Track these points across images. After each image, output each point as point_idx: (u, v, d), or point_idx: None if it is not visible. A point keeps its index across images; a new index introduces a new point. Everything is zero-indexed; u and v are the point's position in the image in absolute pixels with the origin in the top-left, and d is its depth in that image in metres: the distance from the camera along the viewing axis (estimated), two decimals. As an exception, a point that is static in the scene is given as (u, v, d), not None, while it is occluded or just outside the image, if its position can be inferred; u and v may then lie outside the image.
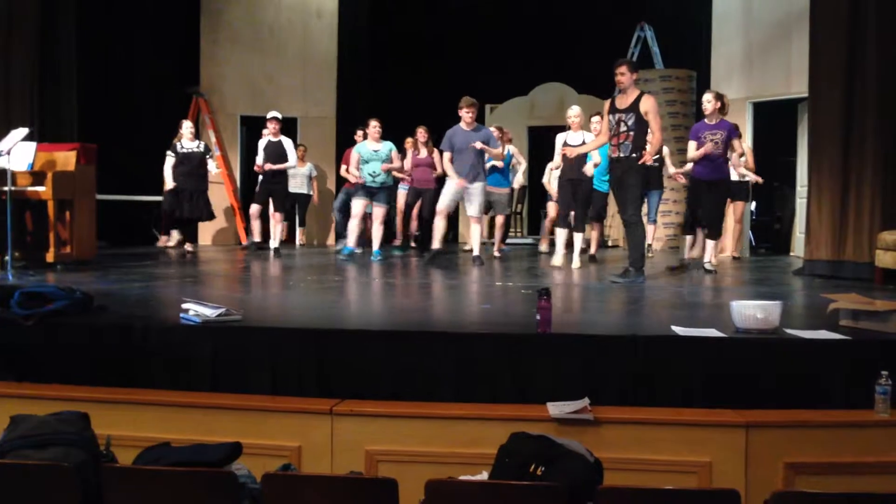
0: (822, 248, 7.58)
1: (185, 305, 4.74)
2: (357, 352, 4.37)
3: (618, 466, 3.54)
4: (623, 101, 7.11)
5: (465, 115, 8.71)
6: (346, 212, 10.95)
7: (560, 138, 8.97)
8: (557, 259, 8.76)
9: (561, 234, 8.96)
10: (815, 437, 3.89)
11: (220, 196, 12.22)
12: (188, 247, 10.33)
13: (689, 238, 8.34)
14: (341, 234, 11.09)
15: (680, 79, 12.24)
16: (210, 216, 10.57)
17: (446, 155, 8.84)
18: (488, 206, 10.05)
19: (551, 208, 10.70)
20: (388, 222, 10.45)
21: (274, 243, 10.08)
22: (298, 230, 12.33)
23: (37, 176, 7.64)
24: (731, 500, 2.44)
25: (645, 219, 10.32)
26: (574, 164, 8.71)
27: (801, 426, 3.92)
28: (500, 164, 9.89)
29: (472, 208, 8.81)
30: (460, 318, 5.42)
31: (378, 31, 14.29)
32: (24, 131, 7.97)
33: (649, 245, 10.58)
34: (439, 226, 8.91)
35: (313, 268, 8.80)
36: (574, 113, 8.83)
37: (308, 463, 3.99)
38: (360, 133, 10.79)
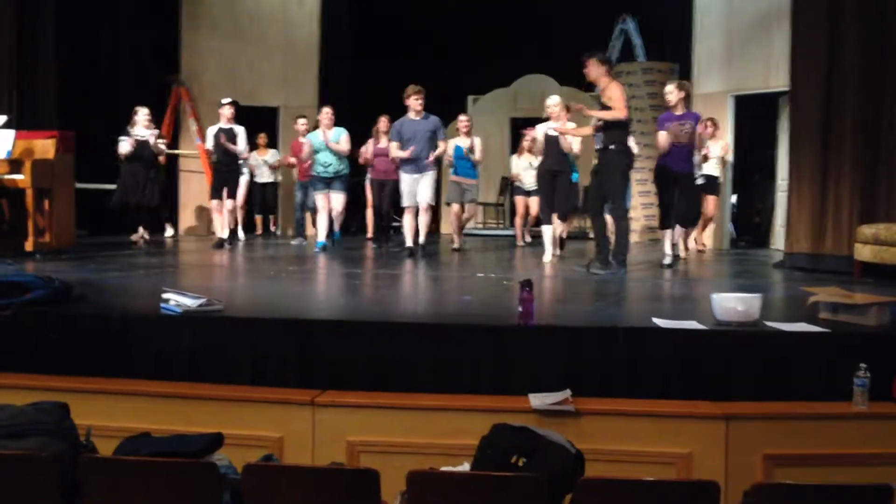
0: (802, 242, 7.63)
1: (165, 295, 4.71)
2: (338, 342, 4.36)
3: (599, 458, 3.55)
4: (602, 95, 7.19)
5: (415, 102, 8.61)
6: (304, 207, 10.90)
7: (540, 129, 8.86)
8: (548, 256, 8.45)
9: (547, 230, 8.63)
10: (795, 429, 3.93)
11: (202, 186, 12.15)
12: (168, 232, 10.22)
13: (668, 233, 8.12)
14: (300, 230, 10.95)
15: (662, 71, 12.24)
16: (161, 202, 10.31)
17: (394, 144, 8.78)
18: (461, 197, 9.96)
19: (520, 203, 10.63)
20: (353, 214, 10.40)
21: (225, 233, 9.80)
22: (271, 219, 12.25)
23: (15, 164, 7.56)
24: (710, 492, 2.46)
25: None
26: (554, 155, 8.61)
27: (780, 418, 3.95)
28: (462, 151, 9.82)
29: (422, 195, 8.68)
30: (442, 309, 5.42)
31: (360, 21, 14.21)
32: (1, 119, 7.90)
33: None
34: (409, 224, 8.80)
35: (293, 258, 8.76)
36: (553, 102, 8.69)
37: (289, 454, 3.98)
38: (301, 121, 10.69)
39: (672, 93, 7.85)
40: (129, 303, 5.27)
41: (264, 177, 11.67)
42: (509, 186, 12.85)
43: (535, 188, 10.21)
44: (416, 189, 8.70)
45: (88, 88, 11.61)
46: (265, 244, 10.60)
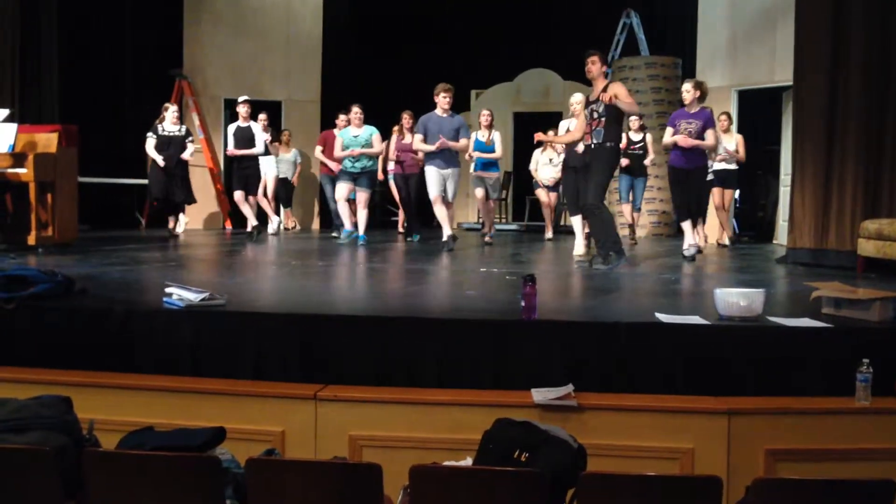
0: (805, 237, 7.62)
1: (168, 290, 4.71)
2: (341, 337, 4.36)
3: (601, 453, 3.55)
4: (594, 93, 7.17)
5: (442, 100, 8.77)
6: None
7: (563, 125, 9.01)
8: (580, 248, 8.61)
9: (577, 222, 8.85)
10: (797, 424, 3.93)
11: (205, 180, 12.15)
12: (177, 229, 10.37)
13: (688, 224, 8.16)
14: (335, 221, 10.99)
15: (665, 66, 12.24)
16: (192, 199, 10.59)
17: (418, 137, 8.92)
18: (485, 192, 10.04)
19: (542, 194, 10.71)
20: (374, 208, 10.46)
21: (252, 225, 10.17)
22: (284, 213, 12.28)
23: (18, 158, 7.56)
24: (712, 487, 2.45)
25: (630, 206, 10.37)
26: (576, 152, 8.70)
27: (782, 413, 3.95)
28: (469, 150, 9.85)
29: (448, 193, 8.88)
30: (445, 303, 5.42)
31: (363, 15, 14.20)
32: (4, 112, 7.90)
33: (633, 233, 10.59)
34: (441, 213, 8.92)
35: (298, 252, 8.77)
36: (577, 100, 8.77)
37: (292, 448, 3.99)
38: (342, 117, 10.73)
39: (689, 91, 7.98)
40: (131, 297, 5.27)
41: (284, 173, 11.73)
42: (511, 180, 12.85)
43: (552, 184, 10.35)
44: (444, 182, 8.82)
45: (91, 82, 11.62)
46: (277, 237, 10.62)
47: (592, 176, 7.11)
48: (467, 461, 3.05)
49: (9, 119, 7.87)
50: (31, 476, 2.56)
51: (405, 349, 4.30)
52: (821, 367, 4.17)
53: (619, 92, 6.92)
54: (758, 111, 11.34)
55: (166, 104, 10.40)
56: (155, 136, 10.06)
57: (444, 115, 8.80)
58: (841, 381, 4.03)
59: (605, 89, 6.99)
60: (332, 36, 13.08)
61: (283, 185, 11.81)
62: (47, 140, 7.87)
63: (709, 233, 10.35)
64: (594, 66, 7.14)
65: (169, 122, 10.12)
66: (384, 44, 14.01)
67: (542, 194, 10.74)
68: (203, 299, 4.55)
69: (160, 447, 2.75)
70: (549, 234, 10.92)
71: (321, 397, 4.04)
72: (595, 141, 7.08)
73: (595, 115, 7.10)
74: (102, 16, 12.00)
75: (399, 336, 4.33)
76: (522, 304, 4.39)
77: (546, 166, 10.53)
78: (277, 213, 12.01)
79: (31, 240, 7.63)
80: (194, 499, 2.54)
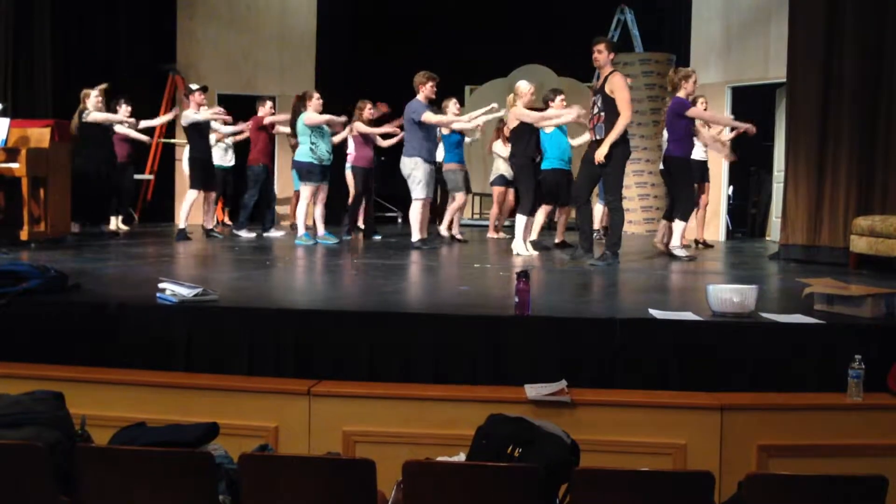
0: (798, 233, 7.64)
1: (161, 285, 4.70)
2: (335, 332, 4.36)
3: (594, 448, 3.56)
4: (598, 83, 7.13)
5: (431, 90, 8.52)
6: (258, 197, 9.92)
7: (535, 115, 8.28)
8: (521, 247, 8.02)
9: (521, 221, 8.10)
10: (789, 419, 3.94)
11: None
12: (108, 227, 9.64)
13: (664, 223, 7.98)
14: (245, 222, 9.93)
15: (659, 62, 12.24)
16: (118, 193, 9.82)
17: (440, 117, 8.71)
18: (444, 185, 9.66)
19: (499, 193, 10.34)
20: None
21: (181, 228, 9.24)
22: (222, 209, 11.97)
23: (10, 152, 7.54)
24: (705, 482, 2.46)
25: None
26: (536, 142, 8.34)
27: (774, 409, 3.96)
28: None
29: (411, 188, 8.47)
30: (438, 299, 5.42)
31: (358, 10, 14.17)
32: (-3, 107, 7.88)
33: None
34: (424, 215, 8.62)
35: (286, 249, 8.74)
36: (525, 89, 8.11)
37: (285, 443, 3.99)
38: (268, 104, 10.13)
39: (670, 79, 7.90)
40: (124, 292, 5.26)
41: (222, 160, 10.81)
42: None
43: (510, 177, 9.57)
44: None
45: (84, 76, 11.56)
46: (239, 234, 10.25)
47: (607, 175, 7.06)
48: (461, 457, 3.05)
49: (2, 113, 7.85)
50: (23, 471, 2.55)
51: (399, 345, 4.30)
52: (813, 362, 4.19)
53: (615, 86, 6.88)
54: (752, 108, 11.34)
55: (85, 90, 9.23)
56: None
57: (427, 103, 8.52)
58: (833, 377, 4.05)
59: (606, 79, 6.96)
60: (326, 30, 13.04)
61: (223, 176, 11.01)
62: (40, 135, 7.85)
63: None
64: (601, 56, 7.00)
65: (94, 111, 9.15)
66: (378, 38, 13.97)
67: (497, 192, 10.19)
68: (196, 295, 4.54)
69: (153, 443, 2.75)
70: (491, 233, 10.32)
71: (315, 393, 4.04)
72: (598, 137, 7.05)
73: (595, 108, 7.02)
74: (96, 10, 11.94)
75: (393, 331, 4.33)
76: (516, 299, 4.39)
77: (499, 158, 10.18)
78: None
79: (24, 235, 7.61)
80: (187, 494, 2.54)
